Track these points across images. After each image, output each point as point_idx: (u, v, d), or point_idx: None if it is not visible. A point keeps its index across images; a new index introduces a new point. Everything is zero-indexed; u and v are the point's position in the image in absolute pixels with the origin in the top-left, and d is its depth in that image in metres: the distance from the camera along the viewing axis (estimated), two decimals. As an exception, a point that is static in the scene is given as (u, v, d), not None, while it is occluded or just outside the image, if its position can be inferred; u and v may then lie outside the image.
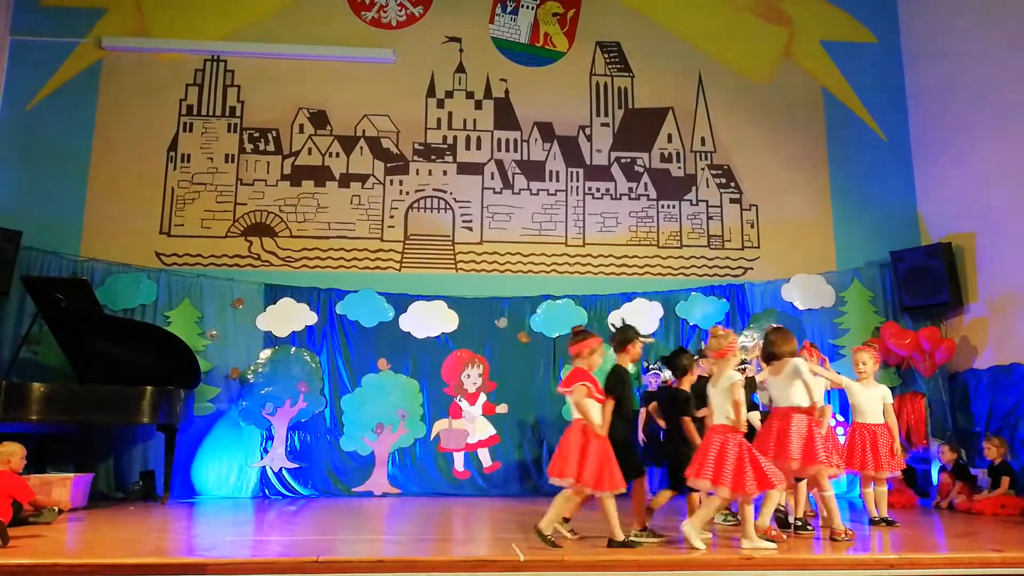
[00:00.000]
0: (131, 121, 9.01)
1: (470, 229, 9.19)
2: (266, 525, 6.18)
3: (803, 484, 5.39)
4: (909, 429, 8.36)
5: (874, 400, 5.99)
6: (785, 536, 4.97)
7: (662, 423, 6.13)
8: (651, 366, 8.28)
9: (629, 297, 8.96)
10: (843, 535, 4.89)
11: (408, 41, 9.53)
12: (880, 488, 5.90)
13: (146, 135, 9.01)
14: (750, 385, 5.72)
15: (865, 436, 5.90)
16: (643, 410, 8.18)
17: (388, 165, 9.26)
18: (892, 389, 8.54)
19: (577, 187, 9.39)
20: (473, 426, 8.56)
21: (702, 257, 9.30)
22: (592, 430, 4.60)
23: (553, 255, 9.19)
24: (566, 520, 5.09)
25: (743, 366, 6.18)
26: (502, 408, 8.62)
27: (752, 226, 9.41)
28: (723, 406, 4.72)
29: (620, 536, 4.59)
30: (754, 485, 4.52)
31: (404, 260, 9.05)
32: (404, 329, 8.68)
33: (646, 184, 9.46)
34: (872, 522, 5.77)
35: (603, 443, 4.60)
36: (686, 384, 5.41)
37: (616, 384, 4.89)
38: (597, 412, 4.65)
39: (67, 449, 7.74)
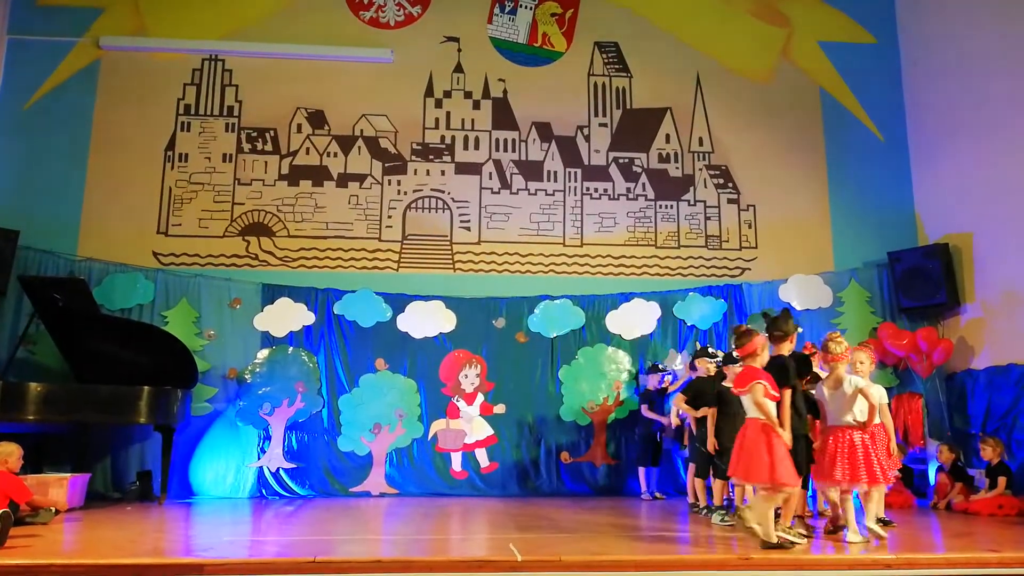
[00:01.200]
0: (129, 121, 9.00)
1: (468, 229, 9.19)
2: (263, 525, 6.18)
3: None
4: (906, 429, 8.38)
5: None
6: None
7: (694, 413, 6.36)
8: (659, 366, 8.28)
9: (627, 297, 8.96)
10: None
11: (406, 41, 9.53)
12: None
13: (144, 135, 9.00)
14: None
15: None
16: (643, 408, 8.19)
17: (386, 165, 9.25)
18: (889, 390, 8.60)
19: (575, 187, 9.39)
20: (471, 426, 8.55)
21: (700, 257, 9.30)
22: (772, 427, 4.65)
23: (551, 255, 9.19)
24: (801, 517, 5.20)
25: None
26: (500, 408, 8.62)
27: (750, 226, 9.41)
28: (846, 408, 5.03)
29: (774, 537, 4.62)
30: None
31: (402, 260, 9.04)
32: (402, 329, 8.67)
33: (644, 184, 9.46)
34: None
35: (782, 438, 4.68)
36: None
37: (787, 375, 4.92)
38: (774, 409, 4.73)
39: (64, 449, 7.73)
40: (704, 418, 6.26)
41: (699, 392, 6.52)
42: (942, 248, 8.58)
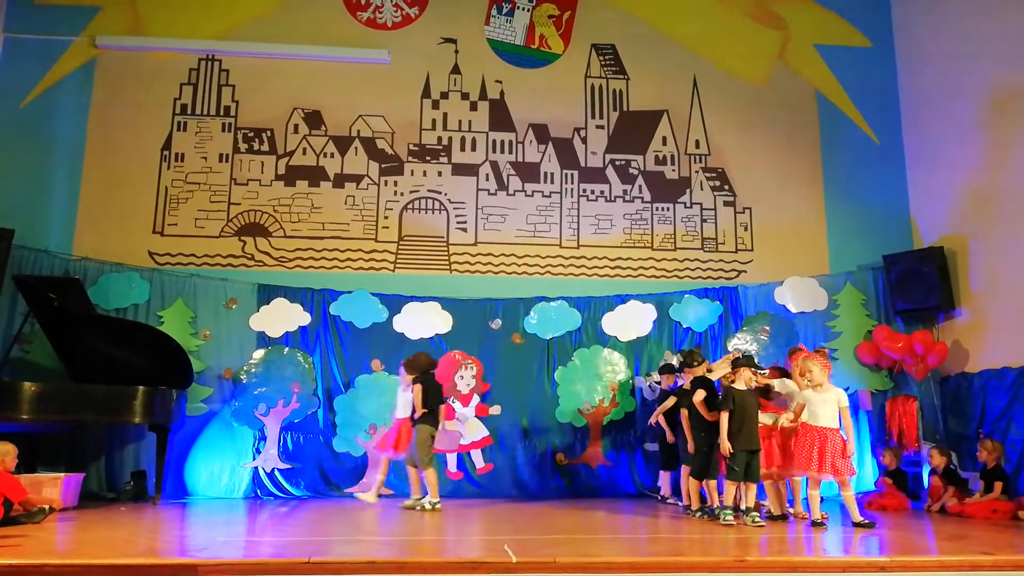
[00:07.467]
0: (125, 120, 8.98)
1: (464, 230, 9.19)
2: (258, 526, 6.17)
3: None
4: (901, 432, 8.39)
5: (827, 403, 5.93)
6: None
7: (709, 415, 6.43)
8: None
9: (623, 299, 8.97)
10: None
11: (403, 42, 9.53)
12: (845, 492, 5.90)
13: (140, 134, 8.98)
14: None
15: (815, 438, 5.87)
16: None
17: (383, 166, 9.25)
18: (884, 392, 8.63)
19: (572, 189, 9.40)
20: (466, 427, 8.55)
21: (696, 260, 9.32)
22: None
23: (547, 257, 9.20)
24: None
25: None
26: (495, 409, 8.61)
27: (746, 229, 9.42)
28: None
29: None
30: None
31: (398, 261, 9.04)
32: (398, 330, 8.66)
33: (640, 186, 9.47)
34: (856, 524, 5.78)
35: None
36: None
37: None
38: None
39: (58, 449, 7.71)
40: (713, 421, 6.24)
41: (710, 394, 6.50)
42: (937, 251, 8.61)
